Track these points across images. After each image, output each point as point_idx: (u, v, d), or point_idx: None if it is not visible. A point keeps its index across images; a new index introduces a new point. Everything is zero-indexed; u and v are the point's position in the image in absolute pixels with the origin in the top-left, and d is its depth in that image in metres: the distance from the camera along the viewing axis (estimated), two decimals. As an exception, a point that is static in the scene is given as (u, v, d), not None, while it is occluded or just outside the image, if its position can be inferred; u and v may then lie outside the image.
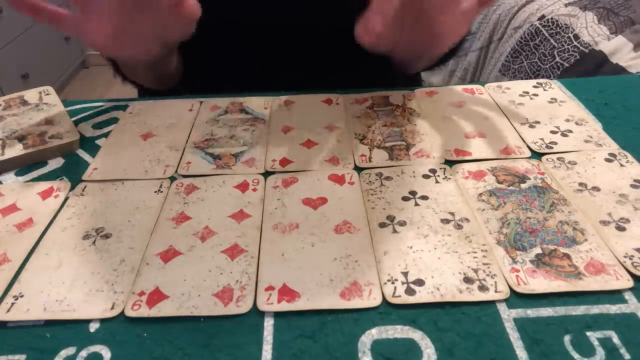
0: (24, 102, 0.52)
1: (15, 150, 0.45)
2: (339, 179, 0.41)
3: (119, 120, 0.51)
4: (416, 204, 0.38)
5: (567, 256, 0.33)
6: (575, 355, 0.28)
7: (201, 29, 0.56)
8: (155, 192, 0.41)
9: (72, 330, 0.30)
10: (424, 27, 0.40)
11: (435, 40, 0.42)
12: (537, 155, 0.43)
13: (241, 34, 0.58)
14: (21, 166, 0.45)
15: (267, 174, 0.42)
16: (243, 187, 0.41)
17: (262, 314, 0.31)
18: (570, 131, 0.46)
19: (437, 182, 0.41)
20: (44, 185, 0.42)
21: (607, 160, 0.42)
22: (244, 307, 0.31)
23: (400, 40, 0.42)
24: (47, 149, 0.45)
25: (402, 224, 0.37)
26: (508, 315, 0.30)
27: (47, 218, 0.38)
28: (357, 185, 0.41)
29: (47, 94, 0.53)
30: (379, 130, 0.47)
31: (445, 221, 0.37)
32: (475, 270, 0.33)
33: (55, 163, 0.45)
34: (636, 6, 1.42)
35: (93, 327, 0.30)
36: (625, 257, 0.33)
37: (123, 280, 0.33)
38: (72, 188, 0.42)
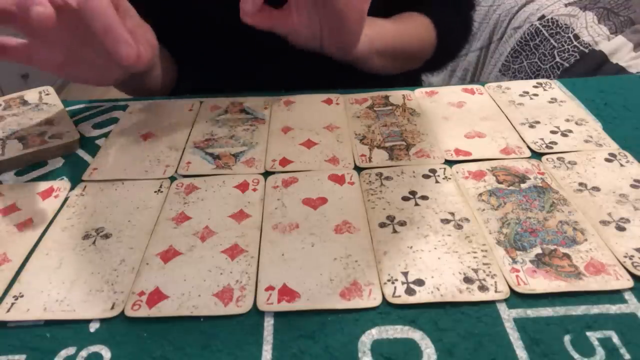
0: (24, 102, 0.52)
1: (15, 150, 0.45)
2: (339, 179, 0.41)
3: (119, 120, 0.51)
4: (416, 204, 0.38)
5: (567, 256, 0.33)
6: (575, 355, 0.28)
7: (201, 30, 0.56)
8: (155, 192, 0.41)
9: (72, 330, 0.30)
10: (331, 10, 0.44)
11: (343, 24, 0.46)
12: (537, 155, 0.43)
13: (240, 34, 0.58)
14: (21, 166, 0.45)
15: (267, 174, 0.42)
16: (243, 187, 0.41)
17: (262, 314, 0.31)
18: (570, 131, 0.46)
19: (437, 182, 0.41)
20: (44, 185, 0.42)
21: (607, 160, 0.42)
22: (244, 307, 0.31)
23: (316, 29, 0.47)
24: (47, 149, 0.45)
25: (402, 224, 0.37)
26: (508, 315, 0.30)
27: (47, 218, 0.38)
28: (357, 185, 0.41)
29: (47, 94, 0.53)
30: (379, 130, 0.47)
31: (445, 221, 0.37)
32: (475, 270, 0.32)
33: (55, 163, 0.45)
34: (636, 6, 1.42)
35: (93, 327, 0.30)
36: (625, 257, 0.33)
37: (123, 280, 0.33)
38: (72, 188, 0.42)
